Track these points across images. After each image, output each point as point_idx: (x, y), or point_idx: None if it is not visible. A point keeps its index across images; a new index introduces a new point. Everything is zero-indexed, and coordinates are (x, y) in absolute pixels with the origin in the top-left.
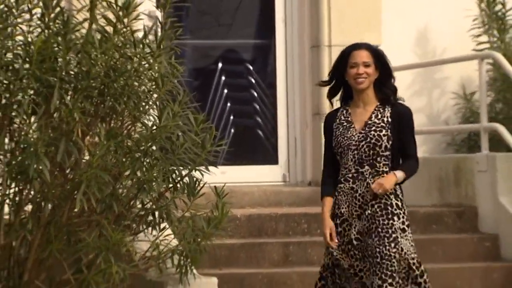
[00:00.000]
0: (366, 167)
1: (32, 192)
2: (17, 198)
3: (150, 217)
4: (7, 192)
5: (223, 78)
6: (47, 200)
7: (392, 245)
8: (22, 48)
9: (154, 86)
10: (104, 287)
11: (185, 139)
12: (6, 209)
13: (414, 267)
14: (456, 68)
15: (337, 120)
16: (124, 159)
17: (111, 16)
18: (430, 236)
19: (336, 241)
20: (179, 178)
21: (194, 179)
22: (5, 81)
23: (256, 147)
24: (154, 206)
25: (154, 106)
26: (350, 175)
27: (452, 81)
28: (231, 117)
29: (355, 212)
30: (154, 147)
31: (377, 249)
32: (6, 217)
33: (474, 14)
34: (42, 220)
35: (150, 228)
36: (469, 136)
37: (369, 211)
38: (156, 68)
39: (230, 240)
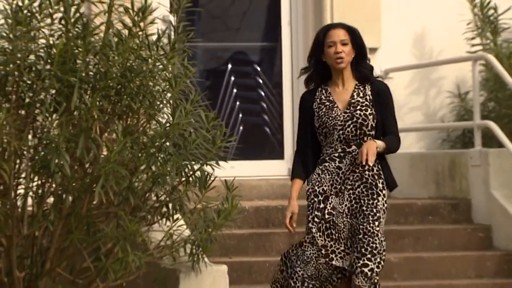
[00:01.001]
0: (353, 147)
1: (54, 185)
2: (40, 191)
3: (164, 209)
4: (30, 185)
5: (232, 78)
6: (68, 192)
7: (376, 223)
8: (44, 51)
9: (167, 86)
10: (121, 274)
11: (197, 136)
12: (30, 201)
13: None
14: (451, 69)
15: (317, 100)
16: (139, 155)
17: (127, 20)
18: (426, 226)
19: (295, 225)
20: (191, 172)
21: (205, 173)
22: (28, 81)
23: (263, 143)
24: (168, 199)
25: (168, 105)
26: (336, 154)
27: (447, 81)
28: (240, 115)
29: (334, 189)
30: (167, 143)
31: (361, 226)
32: (30, 208)
33: (468, 19)
34: (63, 211)
35: (164, 219)
36: (464, 133)
37: (355, 192)
38: (170, 69)
39: (239, 230)
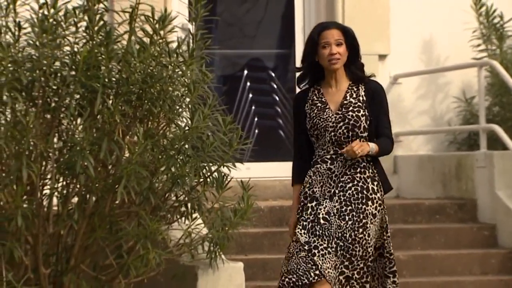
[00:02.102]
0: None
1: (78, 186)
2: (64, 191)
3: (183, 208)
4: (55, 186)
5: (248, 84)
6: (92, 193)
7: (361, 230)
8: (69, 58)
9: (186, 91)
10: (142, 271)
11: (214, 139)
12: (55, 201)
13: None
14: (457, 74)
15: (309, 101)
16: (160, 157)
17: (148, 28)
18: (434, 225)
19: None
20: (209, 173)
21: (222, 174)
22: (54, 87)
23: (277, 145)
24: (186, 198)
25: (187, 109)
26: (328, 156)
27: (454, 86)
28: (256, 119)
29: (328, 192)
30: (186, 146)
31: (348, 233)
32: (55, 208)
33: (473, 27)
34: (87, 211)
35: (183, 218)
36: (469, 135)
37: (345, 194)
38: (189, 75)
39: (255, 229)
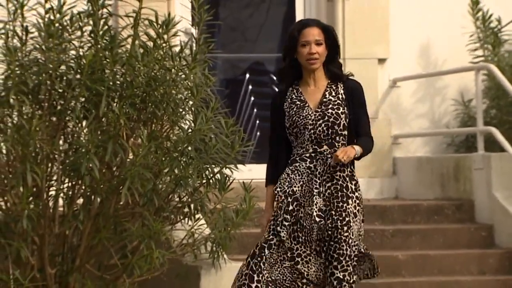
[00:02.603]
0: (325, 147)
1: (83, 187)
2: (70, 193)
3: (186, 209)
4: (61, 187)
5: (250, 87)
6: (97, 194)
7: (345, 228)
8: (74, 61)
9: (189, 94)
10: (146, 270)
11: (217, 141)
12: (61, 202)
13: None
14: (455, 78)
15: (288, 99)
16: (163, 158)
17: (152, 33)
18: (432, 226)
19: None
20: (211, 175)
21: (225, 175)
22: (59, 90)
23: None
24: (189, 199)
25: (190, 112)
26: (307, 155)
27: (451, 89)
28: (257, 122)
29: (309, 192)
30: (189, 148)
31: (329, 232)
32: (61, 209)
33: (470, 31)
34: (92, 212)
35: (186, 219)
36: (467, 138)
37: (325, 193)
38: (192, 78)
39: (256, 229)
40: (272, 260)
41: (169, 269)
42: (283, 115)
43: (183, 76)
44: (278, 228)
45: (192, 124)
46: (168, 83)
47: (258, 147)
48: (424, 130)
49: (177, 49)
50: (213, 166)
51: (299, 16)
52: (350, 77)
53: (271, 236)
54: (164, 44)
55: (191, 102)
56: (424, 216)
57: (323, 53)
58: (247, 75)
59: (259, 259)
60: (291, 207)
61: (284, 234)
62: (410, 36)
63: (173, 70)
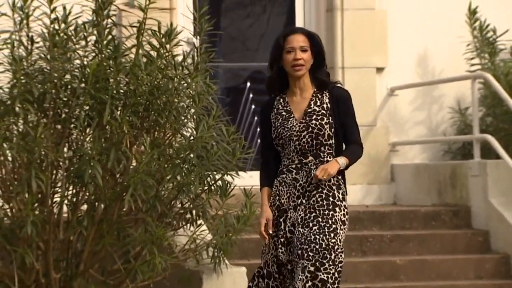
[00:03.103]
0: (310, 158)
1: (87, 194)
2: (74, 199)
3: (188, 215)
4: (66, 194)
5: (251, 95)
6: (100, 200)
7: (332, 235)
8: (79, 70)
9: (191, 102)
10: (149, 275)
11: (218, 148)
12: (65, 208)
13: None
14: (452, 86)
15: (275, 110)
16: (166, 165)
17: (155, 42)
18: (429, 231)
19: (271, 231)
20: (213, 182)
21: (226, 182)
22: (64, 99)
23: None
24: (191, 206)
25: (192, 120)
26: (293, 166)
27: (448, 97)
28: (258, 129)
29: (293, 202)
30: (191, 155)
31: (317, 237)
32: (65, 215)
33: (467, 40)
34: (96, 218)
35: (188, 225)
36: (464, 145)
37: (309, 201)
38: (193, 87)
39: (257, 235)
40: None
41: (171, 274)
42: (270, 126)
43: (185, 84)
44: (271, 245)
45: (194, 132)
46: (171, 92)
47: (258, 154)
48: (422, 138)
49: (180, 58)
50: (215, 173)
51: (298, 25)
52: (338, 85)
53: (270, 263)
54: (166, 54)
55: (193, 110)
56: (421, 222)
57: (308, 60)
58: (248, 84)
59: (263, 276)
60: (280, 220)
61: (280, 248)
62: (407, 45)
63: (175, 79)
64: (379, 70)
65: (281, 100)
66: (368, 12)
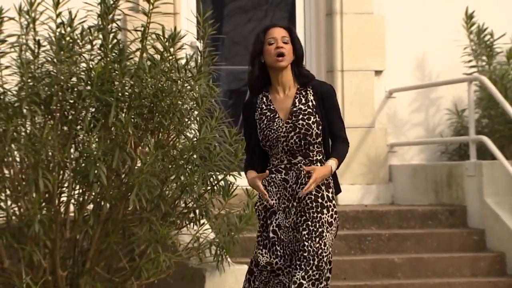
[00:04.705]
0: (299, 158)
1: (93, 194)
2: (80, 199)
3: (192, 215)
4: (72, 194)
5: None
6: (106, 200)
7: (317, 239)
8: (84, 73)
9: (195, 105)
10: (153, 273)
11: (221, 149)
12: (71, 207)
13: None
14: (449, 89)
15: (258, 110)
16: (169, 166)
17: (159, 46)
18: (426, 230)
19: (270, 200)
20: (216, 182)
21: (228, 182)
22: (70, 101)
23: None
24: (195, 205)
25: (195, 121)
26: (282, 166)
27: (445, 100)
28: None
29: (283, 205)
30: (195, 156)
31: (306, 243)
32: (72, 214)
33: (464, 44)
34: (102, 217)
35: (191, 224)
36: (460, 146)
37: (300, 204)
38: (197, 89)
39: None
40: (263, 278)
41: (175, 272)
42: (255, 126)
43: (189, 87)
44: (256, 245)
45: (197, 133)
46: (174, 94)
47: None
48: (419, 139)
49: (183, 61)
50: (217, 173)
51: (299, 30)
52: (321, 80)
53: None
54: (170, 57)
55: (196, 112)
56: (418, 221)
57: (290, 52)
58: None
59: (253, 277)
60: (268, 221)
61: (262, 249)
62: (405, 49)
63: (179, 81)
64: (378, 73)
65: (264, 98)
66: (366, 16)
